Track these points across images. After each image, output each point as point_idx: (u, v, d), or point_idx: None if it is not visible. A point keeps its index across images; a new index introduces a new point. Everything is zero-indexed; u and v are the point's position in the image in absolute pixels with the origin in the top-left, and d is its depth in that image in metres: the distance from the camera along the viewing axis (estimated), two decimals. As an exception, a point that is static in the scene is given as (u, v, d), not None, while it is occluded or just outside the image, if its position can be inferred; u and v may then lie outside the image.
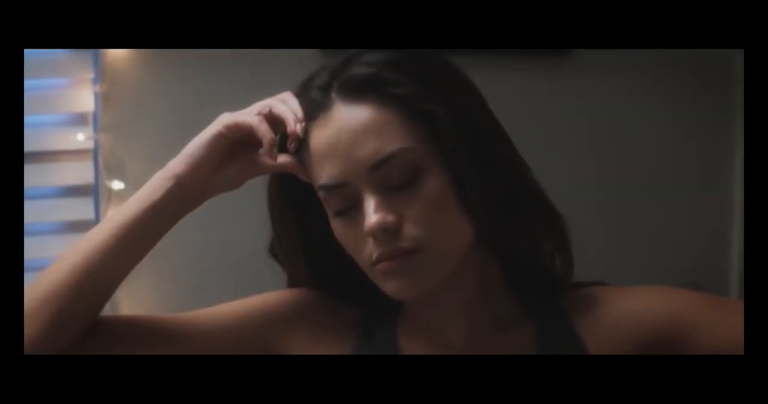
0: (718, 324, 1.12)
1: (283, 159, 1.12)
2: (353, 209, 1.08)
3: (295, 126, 1.08)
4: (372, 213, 1.05)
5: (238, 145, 1.12)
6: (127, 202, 1.13)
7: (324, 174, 1.08)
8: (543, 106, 2.23)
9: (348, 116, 1.06)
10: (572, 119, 2.26)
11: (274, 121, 1.11)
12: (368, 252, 1.07)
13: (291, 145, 1.09)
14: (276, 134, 1.10)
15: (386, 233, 1.05)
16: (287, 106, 1.11)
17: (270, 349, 1.18)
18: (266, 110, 1.11)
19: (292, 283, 1.25)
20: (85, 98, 1.98)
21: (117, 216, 1.12)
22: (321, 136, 1.08)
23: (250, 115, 1.11)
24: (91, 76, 1.98)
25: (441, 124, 1.06)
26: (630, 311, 1.16)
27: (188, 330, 1.16)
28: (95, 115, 2.00)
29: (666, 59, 2.25)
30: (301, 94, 1.12)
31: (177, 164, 1.12)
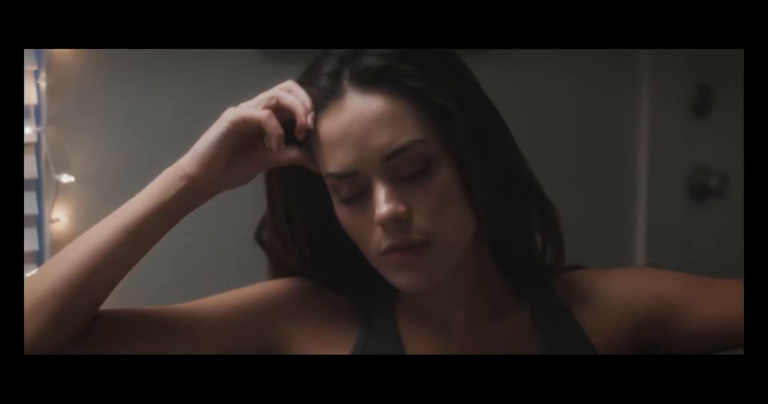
0: (704, 301, 1.18)
1: (292, 153, 1.12)
2: (362, 197, 1.09)
3: (306, 118, 1.08)
4: (383, 203, 1.06)
5: (245, 140, 1.12)
6: (132, 201, 1.12)
7: (335, 162, 1.08)
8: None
9: (362, 105, 1.07)
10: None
11: (281, 111, 1.10)
12: (376, 241, 1.09)
13: (300, 135, 1.09)
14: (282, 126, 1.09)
15: (397, 223, 1.06)
16: (295, 96, 1.10)
17: (269, 339, 1.18)
18: (273, 102, 1.10)
19: (278, 270, 1.25)
20: (28, 91, 1.93)
21: (121, 215, 1.11)
22: (333, 125, 1.08)
23: (256, 109, 1.10)
24: (34, 68, 1.94)
25: (452, 117, 1.08)
26: (620, 292, 1.21)
27: (189, 321, 1.16)
28: (37, 108, 1.96)
29: (577, 55, 2.32)
30: (309, 82, 1.11)
31: (188, 164, 1.10)
